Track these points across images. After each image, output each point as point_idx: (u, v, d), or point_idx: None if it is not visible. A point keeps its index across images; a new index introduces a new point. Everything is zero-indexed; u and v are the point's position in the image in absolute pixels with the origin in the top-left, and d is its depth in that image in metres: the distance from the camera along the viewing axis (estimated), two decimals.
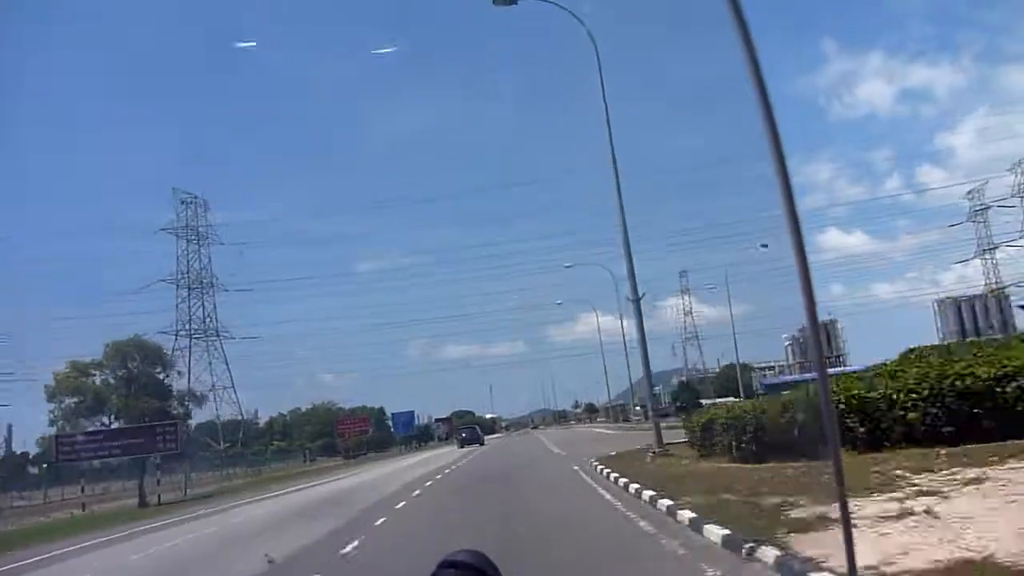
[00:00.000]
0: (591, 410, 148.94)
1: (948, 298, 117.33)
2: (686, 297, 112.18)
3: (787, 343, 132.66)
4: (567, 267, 64.46)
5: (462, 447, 57.70)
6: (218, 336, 55.63)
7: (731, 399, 59.35)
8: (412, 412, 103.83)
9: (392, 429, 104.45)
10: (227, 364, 57.68)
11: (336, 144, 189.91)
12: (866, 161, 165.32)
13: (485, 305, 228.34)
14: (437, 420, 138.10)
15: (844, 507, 1.34)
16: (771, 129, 1.33)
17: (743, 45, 1.35)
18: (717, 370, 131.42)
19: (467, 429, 69.25)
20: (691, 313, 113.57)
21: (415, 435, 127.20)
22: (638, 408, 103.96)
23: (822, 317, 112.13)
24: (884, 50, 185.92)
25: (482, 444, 60.21)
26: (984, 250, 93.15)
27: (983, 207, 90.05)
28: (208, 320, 55.31)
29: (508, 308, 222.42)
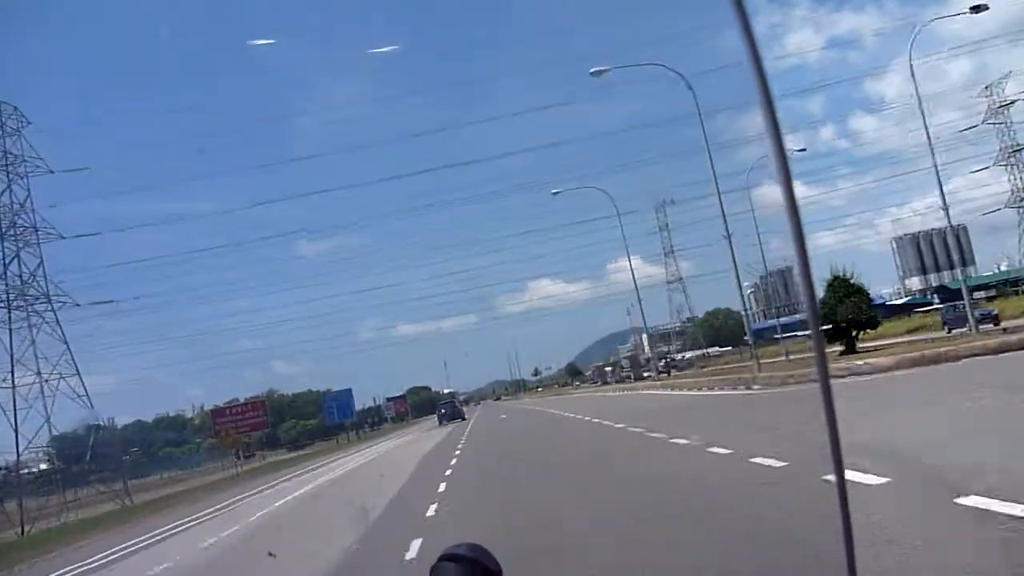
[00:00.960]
0: (573, 372, 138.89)
1: (906, 235, 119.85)
2: (665, 235, 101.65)
3: (749, 290, 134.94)
4: (555, 193, 49.30)
5: (441, 424, 52.70)
6: (49, 302, 40.97)
7: None
8: (349, 391, 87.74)
9: (326, 415, 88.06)
10: (66, 343, 43.35)
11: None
12: (799, 112, 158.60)
13: (434, 277, 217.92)
14: (389, 399, 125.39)
15: (842, 489, 1.34)
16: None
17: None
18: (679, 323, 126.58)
19: (446, 404, 63.36)
20: (673, 253, 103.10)
21: (368, 420, 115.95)
22: (670, 357, 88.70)
23: (779, 264, 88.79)
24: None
25: (463, 419, 54.75)
26: (1010, 153, 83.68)
27: (1007, 102, 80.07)
28: (30, 279, 40.59)
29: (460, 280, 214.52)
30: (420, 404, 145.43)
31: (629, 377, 70.78)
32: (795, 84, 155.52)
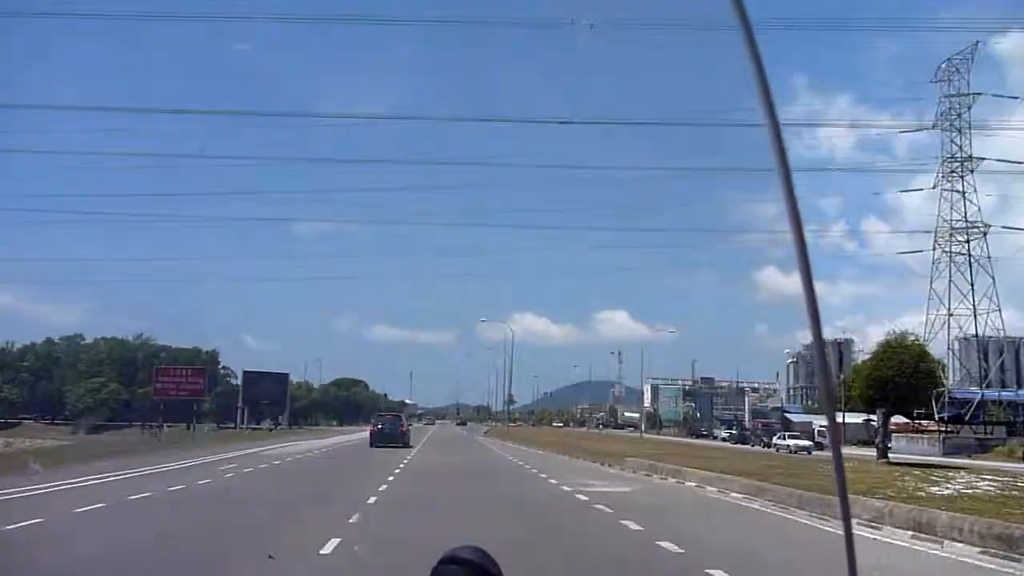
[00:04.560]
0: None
1: (972, 336, 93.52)
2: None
3: (790, 360, 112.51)
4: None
5: (373, 444, 37.11)
6: None
7: None
8: None
9: None
10: None
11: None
12: (814, 204, 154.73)
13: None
14: (265, 373, 72.13)
15: (845, 505, 1.74)
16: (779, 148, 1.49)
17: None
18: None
19: (387, 420, 42.56)
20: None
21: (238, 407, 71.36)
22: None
23: (836, 335, 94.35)
24: (853, 95, 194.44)
25: (407, 445, 37.95)
26: None
27: None
28: None
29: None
30: (338, 404, 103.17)
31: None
32: (819, 177, 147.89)
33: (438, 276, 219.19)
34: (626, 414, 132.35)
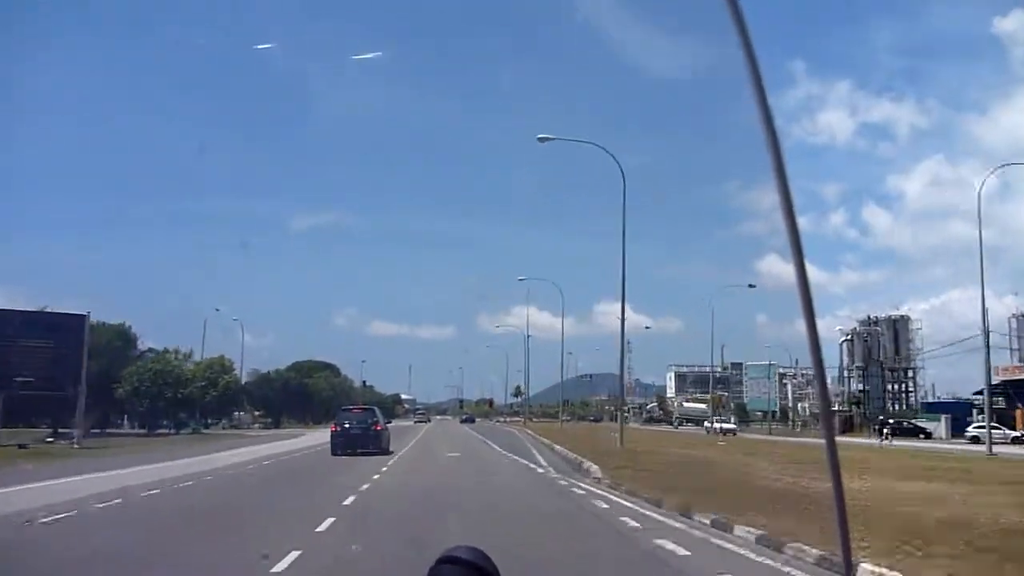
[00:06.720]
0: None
1: None
2: None
3: (844, 339, 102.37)
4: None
5: (336, 452, 28.44)
6: None
7: None
8: None
9: None
10: None
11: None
12: (814, 191, 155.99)
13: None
14: (25, 313, 39.26)
15: (841, 505, 1.75)
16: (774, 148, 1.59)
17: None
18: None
19: (353, 416, 30.83)
20: None
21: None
22: None
23: (888, 312, 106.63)
24: (853, 80, 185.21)
25: (385, 452, 29.23)
26: None
27: None
28: None
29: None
30: (286, 397, 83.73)
31: None
32: (819, 163, 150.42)
33: (437, 269, 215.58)
34: (685, 404, 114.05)
